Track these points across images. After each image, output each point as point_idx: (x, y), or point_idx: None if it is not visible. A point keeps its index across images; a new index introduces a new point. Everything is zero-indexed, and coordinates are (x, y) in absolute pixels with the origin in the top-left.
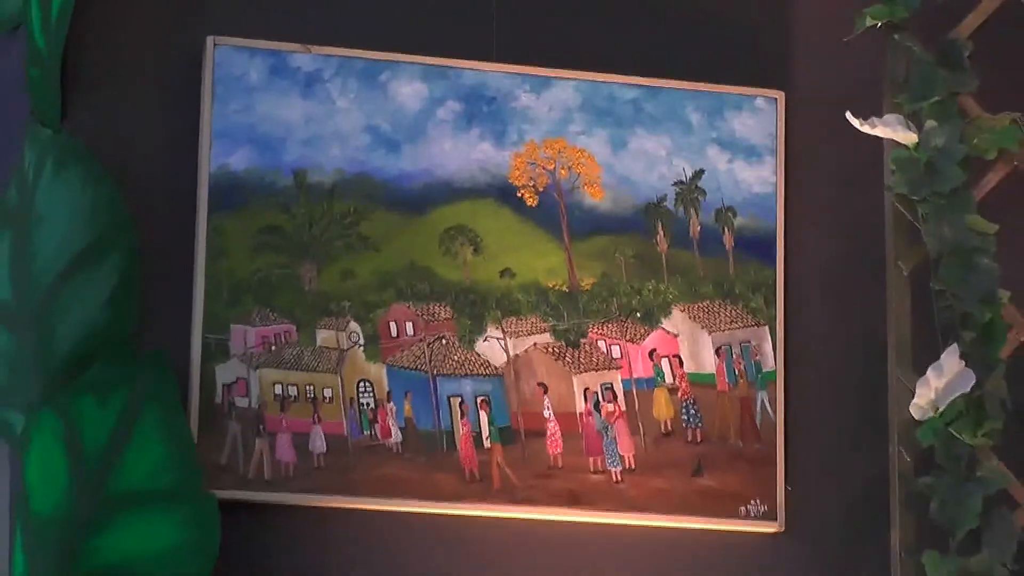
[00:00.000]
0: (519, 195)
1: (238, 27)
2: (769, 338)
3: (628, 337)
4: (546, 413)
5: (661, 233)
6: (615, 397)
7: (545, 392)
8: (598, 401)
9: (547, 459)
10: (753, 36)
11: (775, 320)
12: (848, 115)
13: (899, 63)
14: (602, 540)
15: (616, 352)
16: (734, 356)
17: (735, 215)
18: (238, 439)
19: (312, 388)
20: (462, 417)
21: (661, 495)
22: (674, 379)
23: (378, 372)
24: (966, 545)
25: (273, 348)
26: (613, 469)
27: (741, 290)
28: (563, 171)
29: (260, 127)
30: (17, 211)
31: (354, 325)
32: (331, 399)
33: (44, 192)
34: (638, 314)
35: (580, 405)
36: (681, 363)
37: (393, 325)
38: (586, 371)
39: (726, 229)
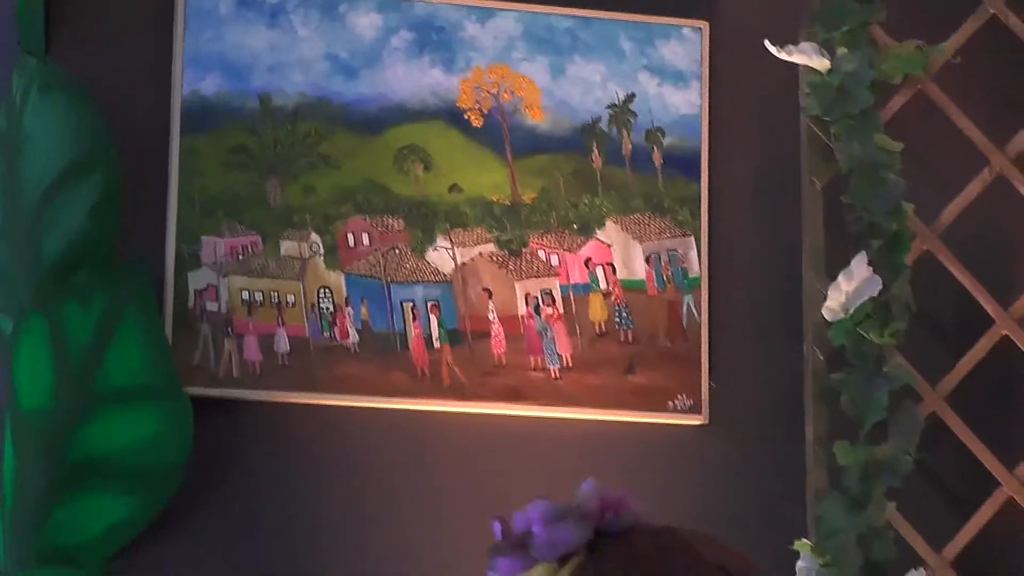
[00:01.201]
0: (466, 117)
1: None
2: (694, 247)
3: (566, 247)
4: (491, 316)
5: (596, 152)
6: (554, 301)
7: (490, 297)
8: (538, 305)
9: (492, 358)
10: None
11: (700, 231)
12: (767, 43)
13: None
14: (542, 432)
15: (555, 260)
16: (662, 263)
17: (664, 135)
18: (209, 341)
19: (277, 294)
20: (414, 320)
21: (596, 391)
22: (608, 285)
23: (337, 279)
24: (874, 435)
25: (241, 258)
26: (552, 367)
27: (669, 203)
28: (506, 95)
29: (229, 55)
30: (6, 134)
31: (315, 236)
32: (294, 304)
33: (31, 116)
34: (575, 226)
35: (522, 309)
36: (614, 270)
37: (351, 236)
38: (527, 278)
39: (655, 148)
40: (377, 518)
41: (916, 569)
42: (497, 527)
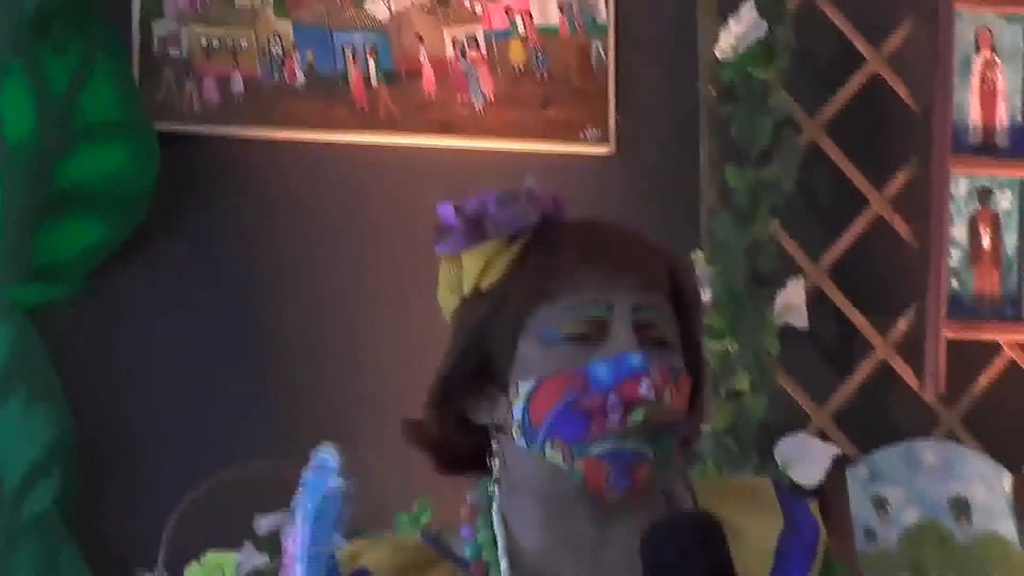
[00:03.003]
0: None
1: None
2: None
3: None
4: (422, 59)
5: None
6: (478, 45)
7: (421, 42)
8: (464, 48)
9: (423, 95)
10: None
11: None
12: None
13: None
14: (467, 163)
15: (479, 9)
16: (574, 11)
17: None
18: (172, 83)
19: (232, 40)
20: (354, 62)
21: (515, 124)
22: (525, 30)
23: (285, 27)
24: (759, 160)
25: (199, 8)
26: (476, 103)
27: None
28: None
29: None
30: None
31: None
32: (247, 49)
33: None
34: None
35: (449, 52)
36: (531, 17)
37: None
38: (454, 24)
39: None
40: (320, 238)
41: (795, 277)
42: (448, 209)
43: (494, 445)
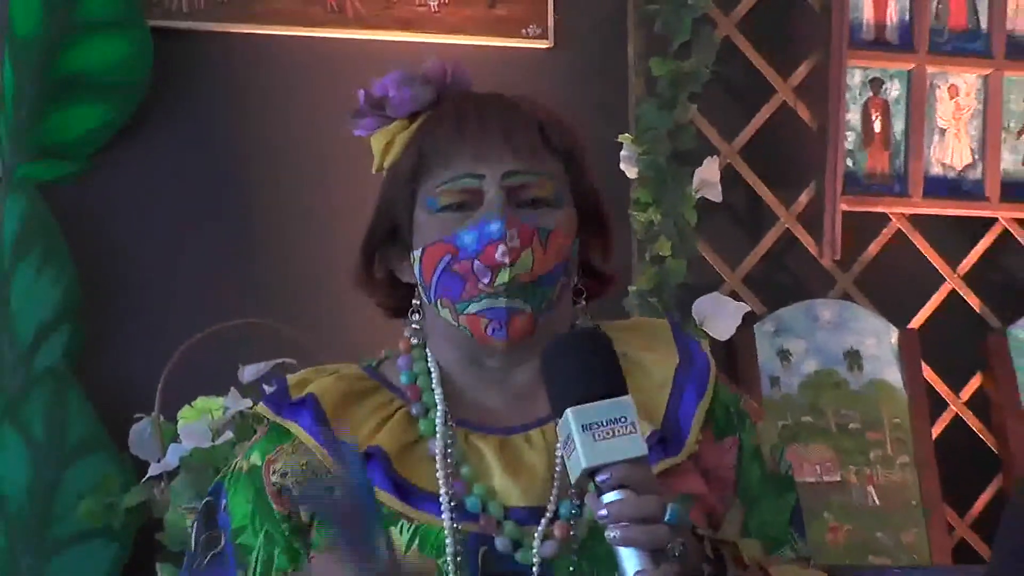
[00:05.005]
0: None
1: None
2: None
3: None
4: None
5: None
6: None
7: None
8: None
9: None
10: None
11: None
12: None
13: None
14: (425, 56)
15: None
16: None
17: None
18: None
19: None
20: None
21: (468, 21)
22: None
23: None
24: (680, 52)
25: None
26: (433, 3)
27: None
28: None
29: None
30: None
31: None
32: None
33: None
34: None
35: None
36: None
37: None
38: None
39: None
40: (294, 122)
41: (711, 156)
42: (361, 94)
43: (415, 302)
